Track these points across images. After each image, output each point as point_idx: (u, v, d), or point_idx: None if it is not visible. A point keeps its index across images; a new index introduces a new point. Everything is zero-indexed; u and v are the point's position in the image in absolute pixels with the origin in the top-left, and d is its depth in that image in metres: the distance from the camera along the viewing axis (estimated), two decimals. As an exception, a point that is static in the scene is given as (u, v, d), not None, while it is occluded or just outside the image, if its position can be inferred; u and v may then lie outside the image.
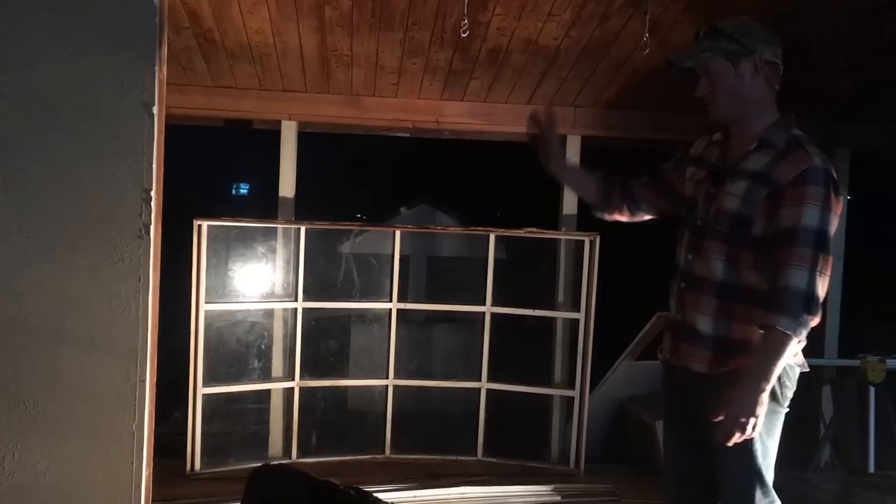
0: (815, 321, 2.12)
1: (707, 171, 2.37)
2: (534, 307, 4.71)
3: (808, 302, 2.10)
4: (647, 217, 2.63)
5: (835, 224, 2.18)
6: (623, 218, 2.64)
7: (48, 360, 2.38)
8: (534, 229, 4.68)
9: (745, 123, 2.29)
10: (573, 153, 4.81)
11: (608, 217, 2.66)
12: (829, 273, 2.15)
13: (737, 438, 2.13)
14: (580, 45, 4.05)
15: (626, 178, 2.60)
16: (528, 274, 4.85)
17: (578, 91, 4.60)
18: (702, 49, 2.28)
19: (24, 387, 2.37)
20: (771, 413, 2.23)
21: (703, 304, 2.28)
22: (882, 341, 4.82)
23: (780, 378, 2.22)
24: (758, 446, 2.25)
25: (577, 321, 4.61)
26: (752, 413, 2.10)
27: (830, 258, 2.15)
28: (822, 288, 2.13)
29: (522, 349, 4.82)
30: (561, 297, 4.83)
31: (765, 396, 2.11)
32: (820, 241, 2.12)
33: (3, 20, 2.33)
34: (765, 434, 2.24)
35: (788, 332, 2.09)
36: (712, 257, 2.27)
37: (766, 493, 2.30)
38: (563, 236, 4.78)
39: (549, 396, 4.84)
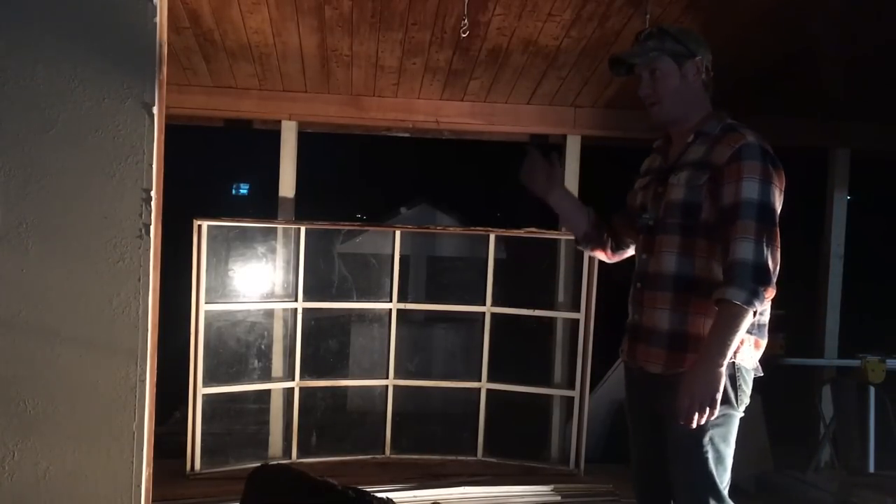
0: (769, 292, 2.12)
1: (652, 176, 2.41)
2: (534, 307, 4.72)
3: (757, 272, 2.10)
4: (627, 255, 2.62)
5: (778, 197, 2.18)
6: (604, 256, 2.63)
7: (48, 360, 2.38)
8: (534, 229, 4.68)
9: (683, 123, 2.34)
10: (573, 153, 4.82)
11: (590, 252, 2.65)
12: (777, 244, 2.15)
13: (698, 419, 2.10)
14: (580, 45, 4.05)
15: (608, 217, 2.61)
16: (528, 274, 4.85)
17: (578, 91, 4.60)
18: (648, 48, 2.30)
19: (24, 387, 2.37)
20: (726, 416, 2.21)
21: (659, 300, 2.29)
22: (882, 341, 4.82)
23: (735, 380, 2.20)
24: (708, 449, 2.21)
25: (577, 321, 4.61)
26: (710, 390, 2.09)
27: (777, 230, 2.16)
28: (771, 259, 2.13)
29: (522, 349, 4.82)
30: (561, 297, 4.83)
31: (722, 372, 2.10)
32: (762, 212, 2.14)
33: (3, 21, 2.34)
34: (718, 438, 2.22)
35: (738, 302, 2.08)
36: (665, 251, 2.28)
37: (718, 499, 2.23)
38: (563, 236, 4.77)
39: (549, 396, 4.84)
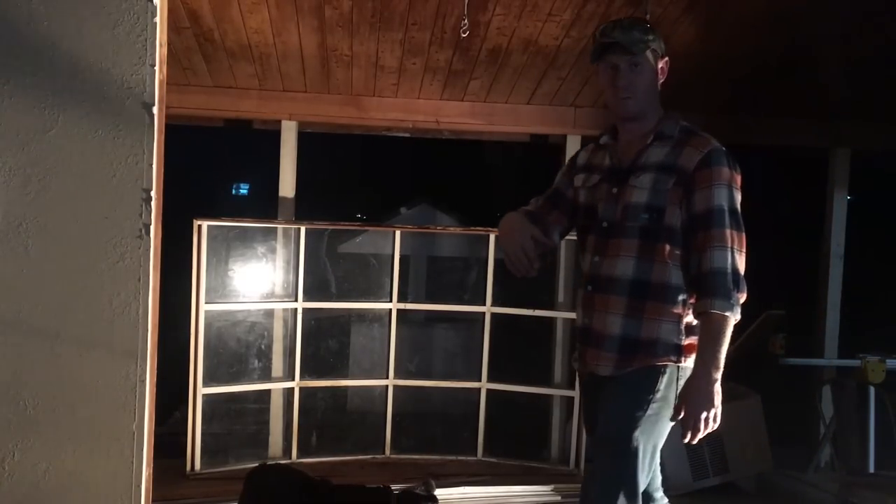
0: (744, 298, 2.14)
1: (602, 175, 2.34)
2: (534, 307, 4.71)
3: (736, 280, 2.13)
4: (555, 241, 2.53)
5: (739, 199, 2.20)
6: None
7: (48, 360, 2.38)
8: (534, 229, 4.67)
9: (642, 120, 2.29)
10: (573, 153, 4.82)
11: None
12: (744, 249, 2.17)
13: (702, 434, 2.11)
14: (580, 45, 4.05)
15: (536, 211, 2.47)
16: (528, 274, 4.84)
17: (578, 91, 4.60)
18: (636, 39, 2.24)
19: (24, 387, 2.37)
20: (659, 416, 2.18)
21: (613, 304, 2.23)
22: (882, 341, 4.82)
23: (677, 383, 2.18)
24: (633, 444, 2.15)
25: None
26: (711, 404, 2.09)
27: (744, 234, 2.18)
28: (742, 265, 2.16)
29: (522, 349, 4.81)
30: (561, 297, 4.83)
31: (718, 386, 2.10)
32: (733, 219, 2.16)
33: (3, 21, 2.34)
34: (646, 436, 2.16)
35: (726, 314, 2.10)
36: (622, 255, 2.22)
37: (632, 495, 2.17)
38: (563, 236, 4.77)
39: (549, 396, 4.84)
